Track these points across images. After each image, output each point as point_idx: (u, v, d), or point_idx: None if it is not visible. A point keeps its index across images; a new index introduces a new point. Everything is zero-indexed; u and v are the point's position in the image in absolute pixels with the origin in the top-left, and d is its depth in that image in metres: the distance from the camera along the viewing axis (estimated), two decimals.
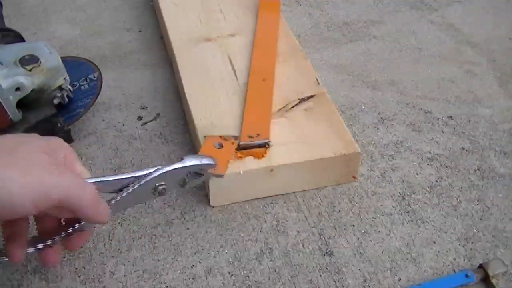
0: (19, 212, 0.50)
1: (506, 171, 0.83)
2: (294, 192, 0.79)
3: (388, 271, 0.69)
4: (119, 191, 0.60)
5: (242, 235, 0.73)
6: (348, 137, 0.79)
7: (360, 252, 0.71)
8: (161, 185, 0.62)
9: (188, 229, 0.74)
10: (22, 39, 0.91)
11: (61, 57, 0.85)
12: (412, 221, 0.75)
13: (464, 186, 0.81)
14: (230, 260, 0.70)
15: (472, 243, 0.73)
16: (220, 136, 0.77)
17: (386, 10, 1.19)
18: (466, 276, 0.67)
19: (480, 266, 0.68)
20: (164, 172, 0.61)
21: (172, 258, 0.70)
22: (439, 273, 0.69)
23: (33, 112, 0.82)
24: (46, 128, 0.82)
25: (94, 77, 0.90)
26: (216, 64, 0.92)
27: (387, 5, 1.20)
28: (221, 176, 0.71)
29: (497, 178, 0.82)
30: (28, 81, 0.79)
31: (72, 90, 0.86)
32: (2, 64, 0.78)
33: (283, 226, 0.74)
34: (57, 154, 0.56)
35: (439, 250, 0.72)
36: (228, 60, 0.93)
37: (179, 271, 0.69)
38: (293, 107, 0.84)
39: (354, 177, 0.80)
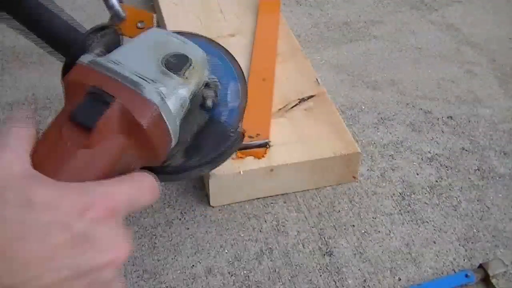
0: None
1: (506, 171, 0.83)
2: (294, 192, 0.79)
3: (388, 271, 0.69)
4: None
5: (242, 235, 0.73)
6: (348, 137, 0.79)
7: (360, 252, 0.71)
8: None
9: (188, 229, 0.74)
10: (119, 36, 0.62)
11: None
12: (412, 221, 0.75)
13: (464, 186, 0.81)
14: (230, 260, 0.70)
15: (472, 243, 0.73)
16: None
17: (386, 10, 1.19)
18: (466, 276, 0.67)
19: (480, 266, 0.68)
20: None
21: (172, 258, 0.70)
22: (439, 273, 0.69)
23: (186, 129, 0.55)
24: (216, 140, 0.62)
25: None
26: None
27: (387, 5, 1.20)
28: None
29: (497, 178, 0.82)
30: (187, 91, 0.53)
31: (218, 80, 0.63)
32: (148, 79, 0.49)
33: (283, 226, 0.74)
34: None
35: (439, 250, 0.72)
36: None
37: (179, 271, 0.69)
38: (293, 107, 0.84)
39: (354, 177, 0.80)
